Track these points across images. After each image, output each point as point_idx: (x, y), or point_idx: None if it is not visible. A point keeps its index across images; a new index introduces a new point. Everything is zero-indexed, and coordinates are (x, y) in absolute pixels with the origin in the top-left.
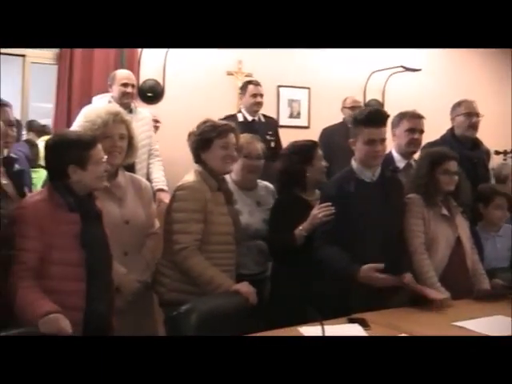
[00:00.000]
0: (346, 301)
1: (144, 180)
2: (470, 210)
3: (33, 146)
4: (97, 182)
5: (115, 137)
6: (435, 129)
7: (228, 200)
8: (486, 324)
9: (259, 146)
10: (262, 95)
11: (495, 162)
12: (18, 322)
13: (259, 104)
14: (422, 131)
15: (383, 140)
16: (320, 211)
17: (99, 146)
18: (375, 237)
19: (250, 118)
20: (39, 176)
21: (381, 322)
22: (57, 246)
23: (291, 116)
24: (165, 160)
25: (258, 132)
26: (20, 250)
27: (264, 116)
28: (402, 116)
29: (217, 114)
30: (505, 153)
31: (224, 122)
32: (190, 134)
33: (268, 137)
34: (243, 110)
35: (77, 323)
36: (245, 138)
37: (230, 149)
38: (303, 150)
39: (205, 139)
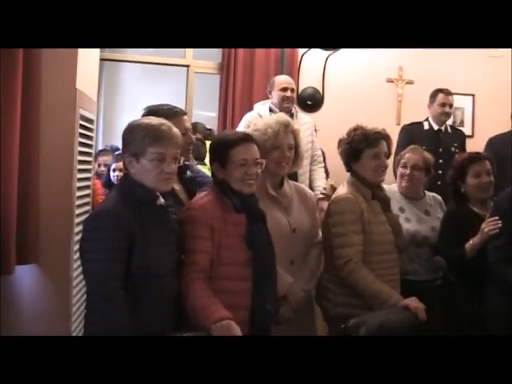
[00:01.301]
0: None
1: (308, 189)
2: None
3: (202, 144)
4: (238, 184)
5: (284, 147)
6: None
7: (385, 208)
8: None
9: (419, 157)
10: (451, 105)
11: None
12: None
13: (447, 114)
14: None
15: None
16: (486, 226)
17: (243, 149)
18: None
19: (435, 127)
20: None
21: None
22: (225, 246)
23: (454, 124)
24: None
25: (442, 142)
26: (192, 252)
27: (451, 127)
28: None
29: (376, 122)
30: None
31: (376, 129)
32: (339, 142)
33: (453, 148)
34: (430, 119)
35: (244, 322)
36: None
37: (381, 158)
38: (455, 166)
39: (355, 149)
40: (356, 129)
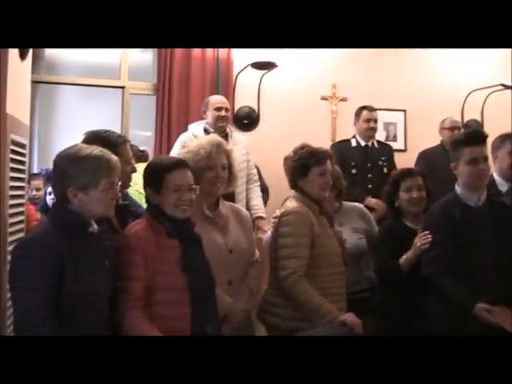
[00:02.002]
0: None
1: (243, 209)
2: None
3: None
4: (172, 209)
5: (218, 167)
6: None
7: (331, 222)
8: None
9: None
10: (375, 120)
11: None
12: None
13: (373, 129)
14: None
15: (486, 158)
16: (418, 240)
17: (177, 174)
18: (486, 264)
19: (363, 143)
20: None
21: None
22: (160, 272)
23: (387, 139)
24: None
25: (370, 157)
26: (126, 279)
27: (378, 142)
28: (505, 138)
29: (312, 139)
30: None
31: (321, 148)
32: (286, 159)
33: (381, 162)
34: (357, 135)
35: None
36: None
37: (327, 176)
38: (390, 181)
39: (302, 166)
40: (303, 147)
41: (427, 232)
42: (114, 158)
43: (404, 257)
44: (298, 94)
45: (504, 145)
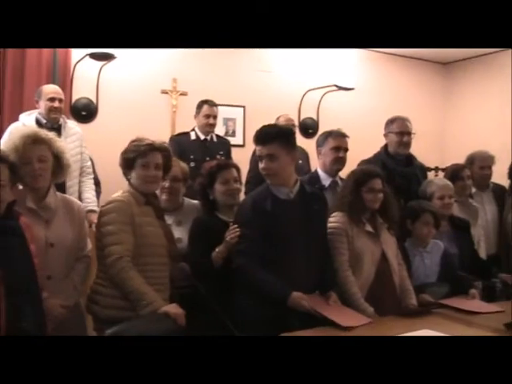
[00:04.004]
0: (283, 320)
1: (77, 201)
2: (399, 227)
3: None
4: None
5: (33, 160)
6: (370, 146)
7: (158, 215)
8: None
9: (178, 168)
10: (215, 116)
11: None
12: None
13: (211, 126)
14: (346, 149)
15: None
16: (228, 234)
17: None
18: (298, 255)
19: (202, 137)
20: None
21: None
22: None
23: (226, 134)
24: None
25: (208, 151)
26: None
27: (217, 136)
28: (327, 135)
29: (151, 133)
30: (436, 169)
31: (149, 140)
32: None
33: (219, 156)
34: (196, 129)
35: None
36: None
37: (151, 168)
38: (204, 173)
39: (128, 158)
40: (133, 140)
41: (236, 226)
42: None
43: (216, 250)
44: (138, 87)
45: (327, 142)
